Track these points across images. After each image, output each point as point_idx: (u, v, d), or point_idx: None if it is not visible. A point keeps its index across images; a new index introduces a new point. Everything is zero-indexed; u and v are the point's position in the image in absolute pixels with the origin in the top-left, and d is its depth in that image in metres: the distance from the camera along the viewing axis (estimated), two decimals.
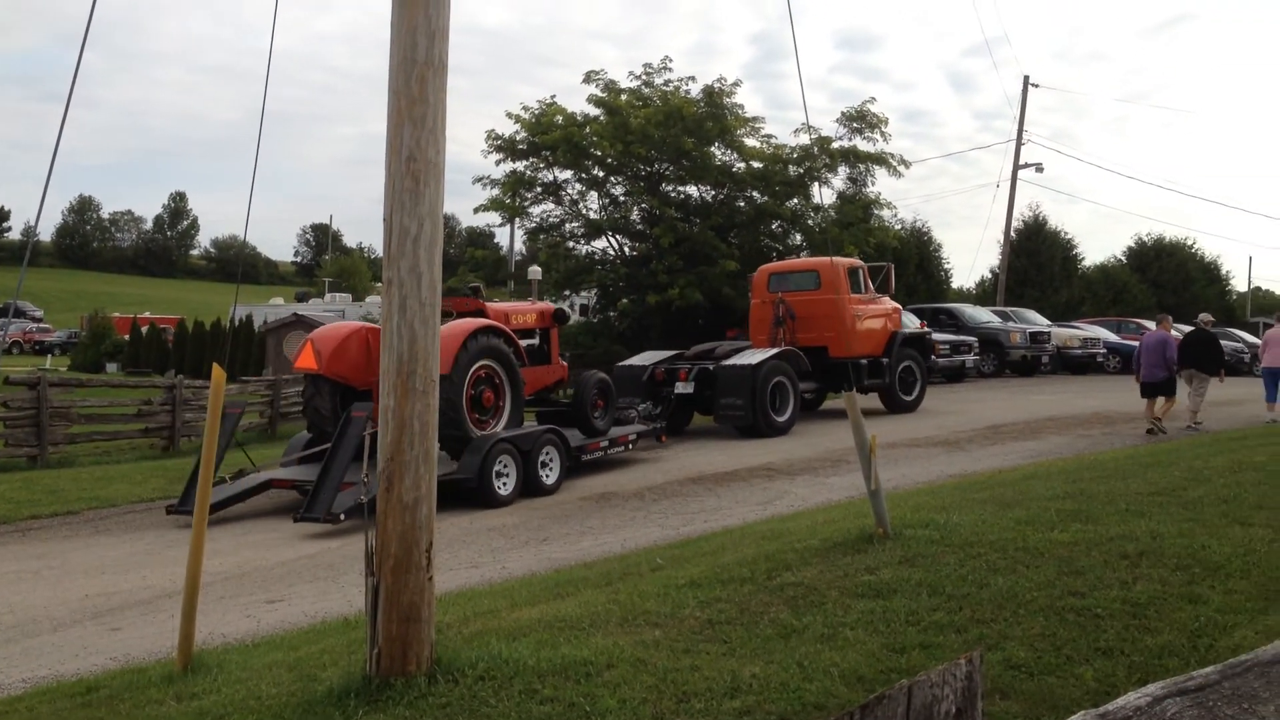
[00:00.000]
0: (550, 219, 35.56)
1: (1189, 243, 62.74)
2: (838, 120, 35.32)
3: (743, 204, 34.68)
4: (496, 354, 14.67)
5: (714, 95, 33.42)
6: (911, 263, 48.25)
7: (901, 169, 35.51)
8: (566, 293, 36.45)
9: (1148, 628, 5.25)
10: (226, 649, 6.94)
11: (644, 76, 34.21)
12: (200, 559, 5.96)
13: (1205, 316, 19.74)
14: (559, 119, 32.99)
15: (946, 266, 55.84)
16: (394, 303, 5.10)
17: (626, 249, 35.50)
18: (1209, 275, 63.35)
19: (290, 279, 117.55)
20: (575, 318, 40.34)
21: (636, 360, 21.73)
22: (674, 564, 7.85)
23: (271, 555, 10.87)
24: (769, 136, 35.61)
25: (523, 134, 33.21)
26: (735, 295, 31.75)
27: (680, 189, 35.13)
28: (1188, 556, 6.52)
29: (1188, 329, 20.26)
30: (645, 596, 6.49)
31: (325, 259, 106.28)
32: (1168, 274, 58.62)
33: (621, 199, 35.28)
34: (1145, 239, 63.08)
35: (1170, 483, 9.55)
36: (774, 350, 20.33)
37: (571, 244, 35.65)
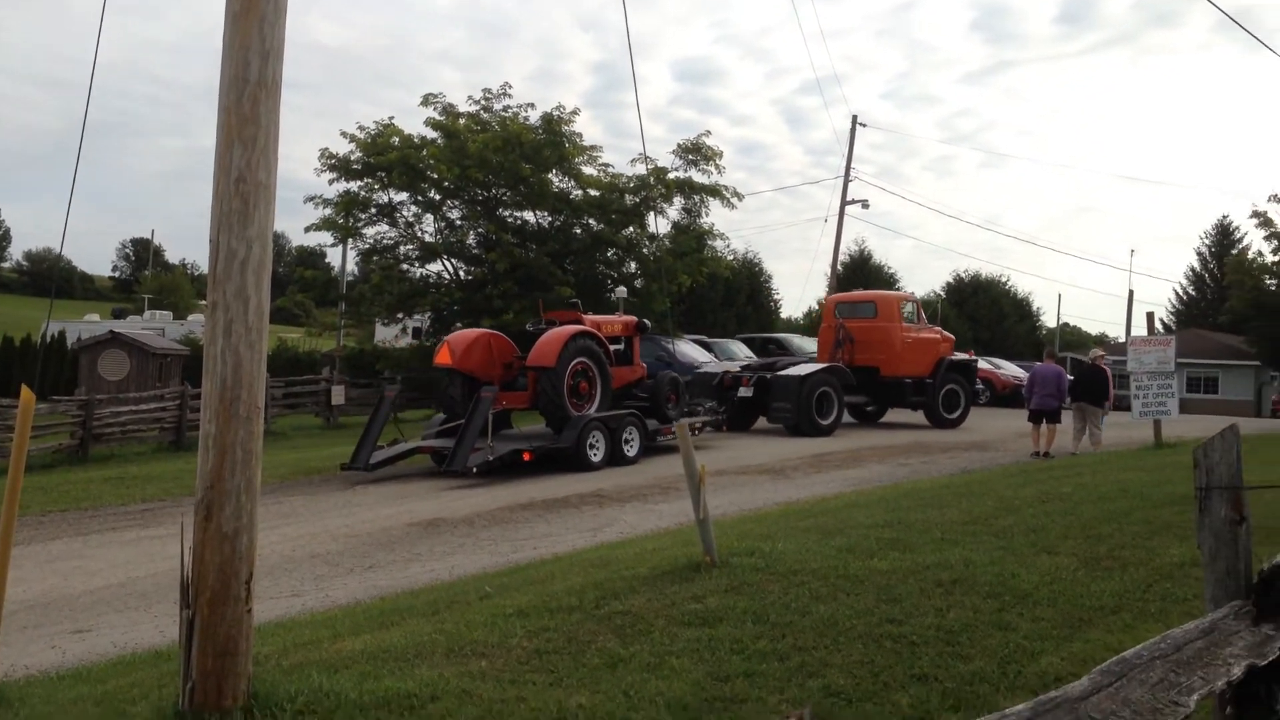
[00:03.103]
0: (384, 240, 35.16)
1: (1004, 279, 65.58)
2: (674, 152, 35.80)
3: (579, 231, 34.84)
4: (590, 353, 19.08)
5: (553, 123, 33.54)
6: (743, 293, 49.15)
7: (735, 201, 36.18)
8: (400, 315, 35.91)
9: (961, 654, 5.44)
10: (29, 682, 6.62)
11: (483, 101, 34.13)
12: (4, 586, 5.67)
13: (1097, 351, 20.71)
14: (396, 140, 32.65)
15: (777, 297, 57.23)
16: (219, 326, 4.96)
17: (462, 273, 35.27)
18: (1021, 311, 66.28)
19: (108, 294, 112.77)
20: (407, 341, 39.84)
21: (709, 368, 26.27)
22: (502, 592, 7.79)
23: (78, 584, 10.42)
24: (606, 165, 35.93)
25: (358, 154, 32.76)
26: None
27: (517, 214, 35.12)
28: (998, 585, 6.78)
29: (1036, 363, 21.40)
30: (472, 626, 6.43)
31: (145, 275, 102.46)
32: (983, 309, 61.11)
33: (458, 223, 35.11)
34: (963, 275, 65.69)
35: (983, 512, 9.92)
36: (823, 365, 24.33)
37: (406, 266, 35.21)
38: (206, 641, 4.81)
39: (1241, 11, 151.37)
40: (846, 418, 25.29)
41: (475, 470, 16.61)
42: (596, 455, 18.04)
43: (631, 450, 18.83)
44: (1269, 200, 49.48)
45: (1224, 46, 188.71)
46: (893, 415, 27.00)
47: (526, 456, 17.53)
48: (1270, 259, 50.23)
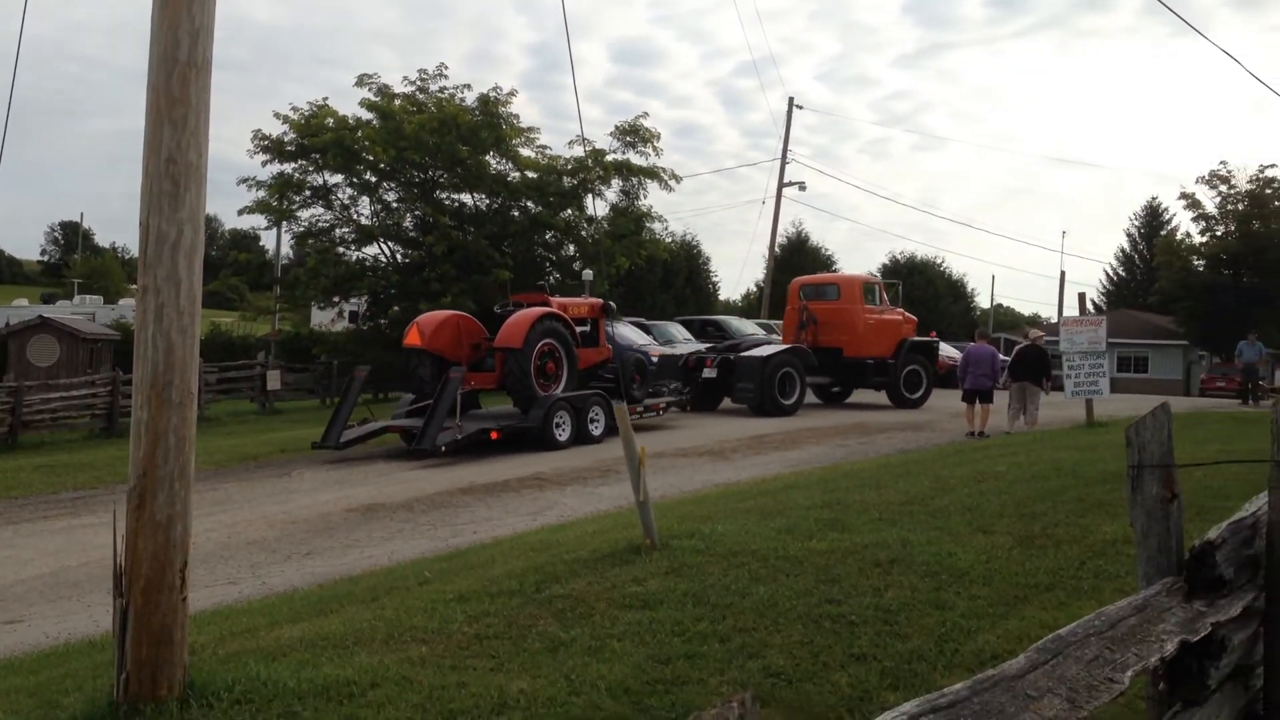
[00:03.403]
0: (320, 223, 34.72)
1: (939, 261, 66.34)
2: (611, 134, 35.69)
3: (517, 214, 34.67)
4: (557, 334, 19.61)
5: (490, 104, 33.31)
6: (681, 275, 49.23)
7: (673, 183, 36.17)
8: (336, 299, 35.48)
9: (898, 633, 5.49)
10: None
11: (419, 82, 33.81)
12: None
13: (1036, 332, 20.94)
14: (330, 121, 32.25)
15: (715, 279, 57.39)
16: (149, 311, 4.87)
17: (399, 256, 34.94)
18: (955, 292, 67.07)
19: (36, 279, 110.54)
20: (344, 324, 39.42)
21: (676, 350, 26.62)
22: (442, 577, 7.76)
23: (9, 573, 10.25)
24: (544, 147, 35.77)
25: (291, 135, 32.31)
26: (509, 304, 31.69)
27: (454, 197, 34.86)
28: (935, 564, 6.85)
29: (969, 344, 21.63)
30: (412, 612, 6.40)
31: (75, 259, 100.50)
32: (918, 290, 61.66)
33: (394, 205, 34.79)
34: (899, 256, 66.36)
35: (919, 492, 10.02)
36: (785, 346, 24.81)
37: (342, 249, 34.83)
38: (141, 631, 4.74)
39: None
40: (811, 398, 25.95)
41: (444, 449, 17.05)
42: (563, 434, 18.56)
43: (597, 429, 19.33)
44: (1197, 183, 50.56)
45: (1152, 29, 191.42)
46: (859, 395, 27.36)
47: (494, 435, 18.13)
48: (1198, 240, 51.28)
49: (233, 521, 12.48)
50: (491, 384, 19.90)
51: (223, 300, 47.40)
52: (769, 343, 26.66)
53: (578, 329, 20.85)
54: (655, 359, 24.14)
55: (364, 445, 18.81)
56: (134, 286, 6.26)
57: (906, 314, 27.68)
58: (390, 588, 7.65)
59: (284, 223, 35.30)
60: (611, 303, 23.12)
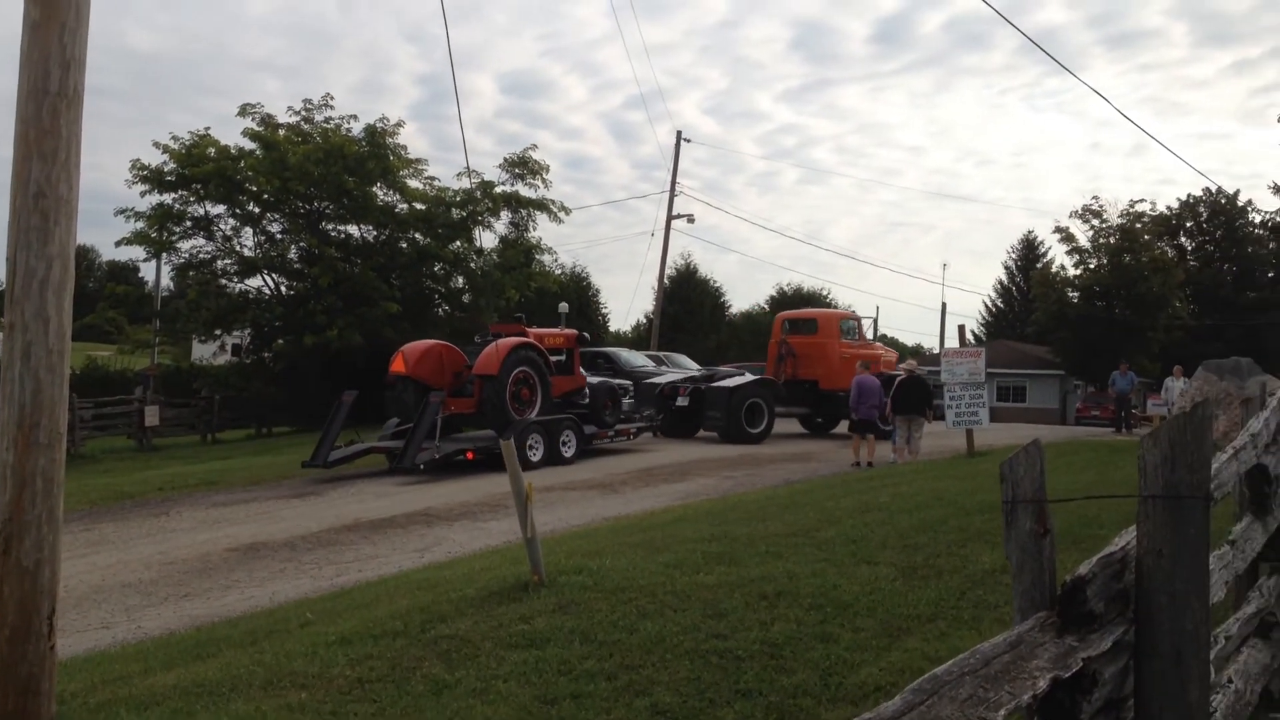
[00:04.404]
0: (201, 255, 34.01)
1: (825, 293, 67.33)
2: (500, 165, 35.69)
3: (405, 245, 34.41)
4: (531, 362, 20.86)
5: (376, 135, 33.10)
6: (571, 307, 49.26)
7: (562, 215, 36.29)
8: (218, 332, 34.75)
9: (784, 668, 5.52)
10: None
11: (304, 112, 33.45)
12: None
13: (911, 363, 21.27)
14: (212, 151, 31.70)
15: (605, 310, 57.53)
16: (16, 349, 4.71)
17: (283, 288, 34.39)
18: None
19: None
20: (226, 358, 38.63)
21: (656, 380, 27.65)
22: (324, 619, 7.60)
23: None
24: (432, 179, 35.68)
25: (172, 165, 31.64)
26: (396, 337, 31.38)
27: (341, 228, 34.51)
28: (821, 596, 6.90)
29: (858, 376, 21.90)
30: (292, 656, 6.25)
31: None
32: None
33: (279, 236, 34.24)
34: (786, 288, 67.22)
35: (805, 524, 10.11)
36: (753, 377, 26.05)
37: (224, 281, 34.17)
38: (6, 681, 4.56)
39: (1044, 34, 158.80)
40: (796, 428, 27.84)
41: (422, 467, 18.51)
42: (535, 456, 19.69)
43: (569, 451, 20.68)
44: (1071, 216, 52.14)
45: (1029, 69, 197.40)
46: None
47: (469, 455, 19.41)
48: (1072, 273, 52.88)
49: (107, 563, 12.08)
50: (470, 408, 20.84)
51: (100, 333, 46.08)
52: (739, 374, 27.94)
53: (553, 358, 22.06)
54: (633, 387, 25.55)
55: (241, 476, 18.40)
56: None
57: (885, 348, 28.97)
58: (270, 630, 7.47)
59: (164, 254, 34.49)
60: (586, 334, 24.80)
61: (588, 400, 22.65)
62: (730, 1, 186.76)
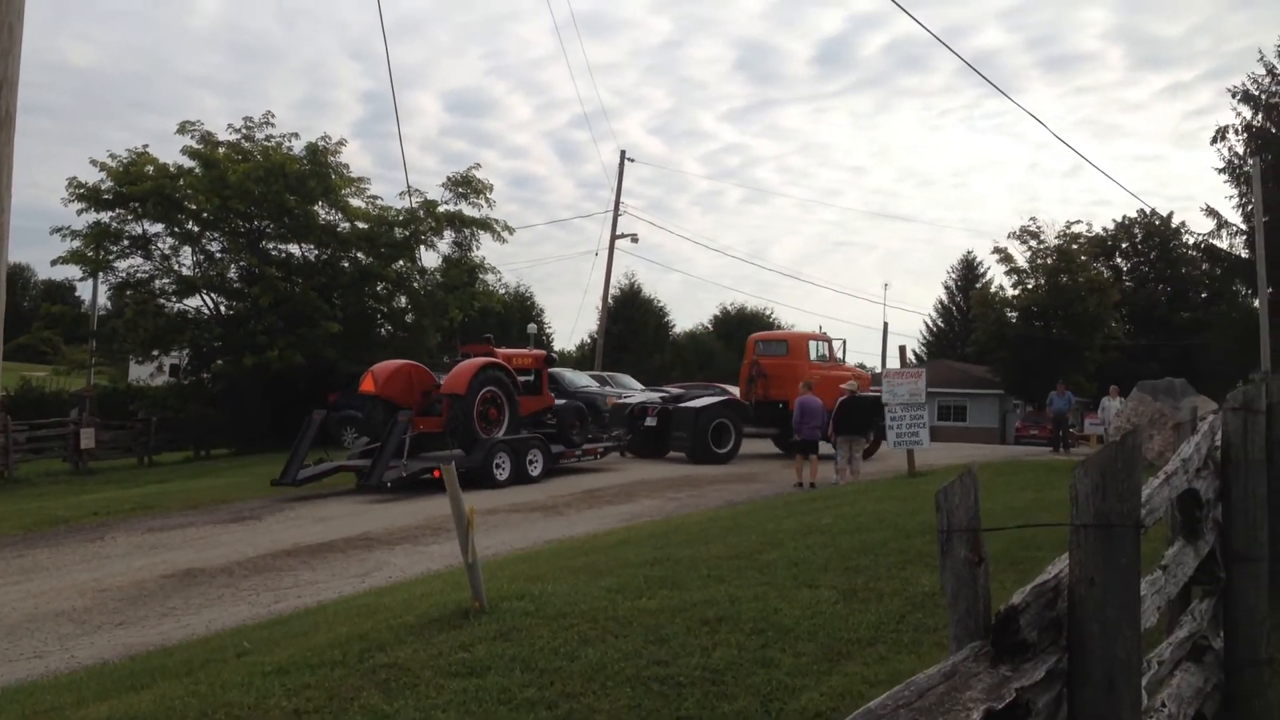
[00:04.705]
0: (139, 274, 33.50)
1: (768, 312, 67.74)
2: (443, 185, 35.57)
3: (347, 264, 34.18)
4: (499, 382, 21.32)
5: (318, 153, 32.87)
6: (515, 326, 49.20)
7: (506, 234, 36.25)
8: (155, 353, 34.23)
9: (725, 694, 5.50)
10: None
11: (244, 130, 33.14)
12: None
13: (851, 384, 21.39)
14: (150, 169, 31.31)
15: (549, 330, 57.44)
16: None
17: (223, 308, 33.98)
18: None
19: None
20: (164, 379, 38.09)
21: (629, 400, 28.01)
22: (261, 648, 7.49)
23: None
24: (375, 197, 35.50)
25: (109, 183, 31.21)
26: (338, 357, 31.14)
27: (282, 247, 34.21)
28: (762, 620, 6.90)
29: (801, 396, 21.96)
30: (228, 686, 6.15)
31: None
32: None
33: (218, 255, 33.87)
34: (730, 308, 67.54)
35: (748, 547, 10.11)
36: (720, 398, 26.71)
37: (162, 301, 33.68)
38: None
39: (983, 57, 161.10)
40: (771, 449, 28.01)
41: (389, 485, 18.94)
42: (502, 474, 20.34)
43: (535, 470, 21.23)
44: (1009, 237, 52.86)
45: (968, 90, 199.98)
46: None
47: (436, 474, 18.66)
48: (1010, 293, 53.58)
49: (40, 590, 11.85)
50: (438, 427, 21.07)
51: (35, 354, 45.31)
52: (709, 394, 28.21)
53: (522, 378, 22.69)
54: (610, 406, 26.71)
55: (181, 508, 18.14)
56: None
57: (859, 371, 29.49)
58: (206, 660, 7.35)
59: (100, 273, 33.98)
60: (553, 354, 26.00)
61: (555, 420, 23.19)
62: (674, 21, 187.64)
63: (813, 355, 27.42)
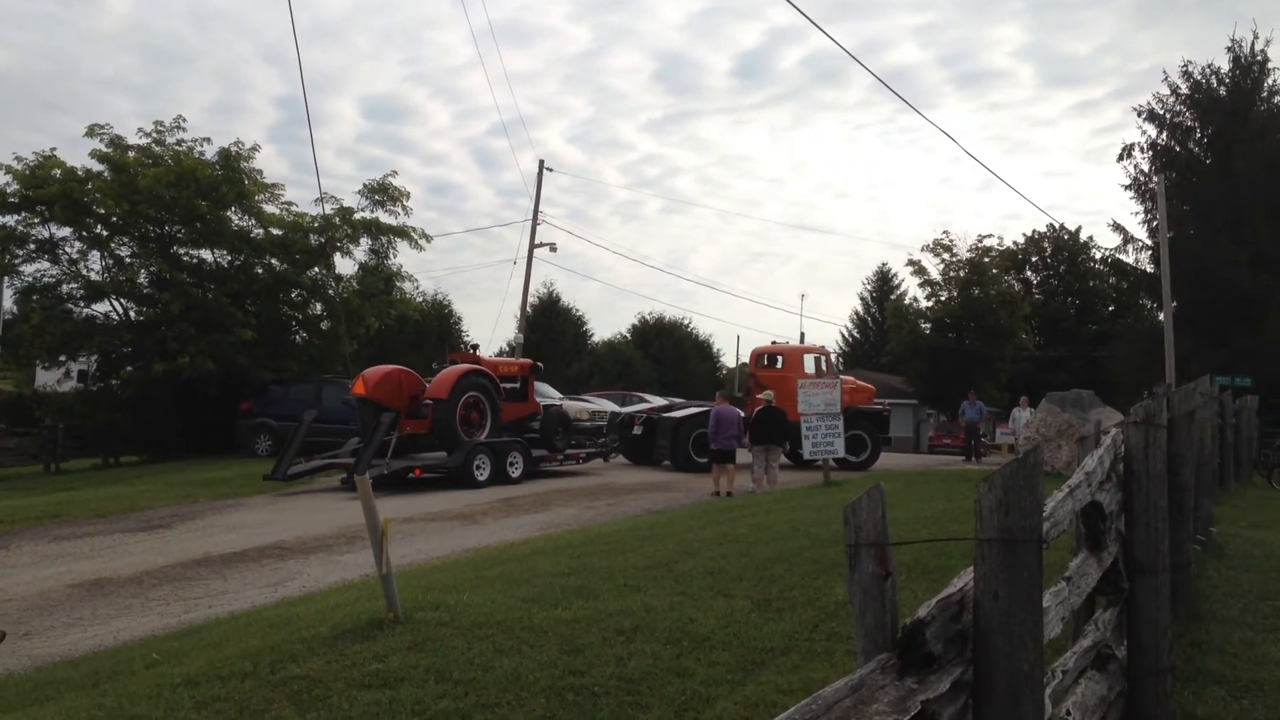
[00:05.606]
0: (46, 279, 32.66)
1: (687, 322, 68.06)
2: (359, 192, 35.23)
3: (261, 271, 33.69)
4: (482, 388, 22.70)
5: (231, 158, 32.35)
6: (433, 334, 48.83)
7: (423, 243, 36.00)
8: (63, 358, 33.44)
9: (640, 704, 5.53)
10: None
11: (155, 134, 32.49)
12: None
13: (769, 394, 21.54)
14: (57, 172, 30.58)
15: (468, 338, 57.05)
16: None
17: (133, 313, 33.26)
18: (702, 353, 68.85)
19: None
20: (72, 385, 37.25)
21: (622, 410, 30.25)
22: (170, 659, 7.38)
23: None
24: (289, 204, 34.99)
25: (15, 186, 30.44)
26: (251, 365, 30.68)
27: (193, 253, 33.56)
28: (677, 630, 6.94)
29: (716, 405, 22.02)
30: (136, 699, 6.05)
31: None
32: (667, 351, 63.14)
33: (128, 260, 33.15)
34: (648, 317, 67.75)
35: (665, 556, 10.16)
36: (701, 409, 26.60)
37: (70, 306, 32.89)
38: None
39: (898, 72, 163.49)
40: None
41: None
42: (482, 475, 21.59)
43: (515, 472, 22.53)
44: (922, 250, 53.73)
45: (883, 105, 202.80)
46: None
47: (417, 473, 21.37)
48: (924, 304, 54.45)
49: None
50: (425, 429, 22.27)
51: None
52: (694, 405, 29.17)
53: (507, 385, 24.24)
54: (606, 416, 28.96)
55: (91, 513, 17.76)
56: None
57: (859, 383, 29.92)
58: (114, 671, 7.23)
59: (6, 277, 33.12)
60: (539, 363, 27.03)
61: (539, 427, 24.47)
62: (593, 31, 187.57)
63: (809, 368, 27.83)
